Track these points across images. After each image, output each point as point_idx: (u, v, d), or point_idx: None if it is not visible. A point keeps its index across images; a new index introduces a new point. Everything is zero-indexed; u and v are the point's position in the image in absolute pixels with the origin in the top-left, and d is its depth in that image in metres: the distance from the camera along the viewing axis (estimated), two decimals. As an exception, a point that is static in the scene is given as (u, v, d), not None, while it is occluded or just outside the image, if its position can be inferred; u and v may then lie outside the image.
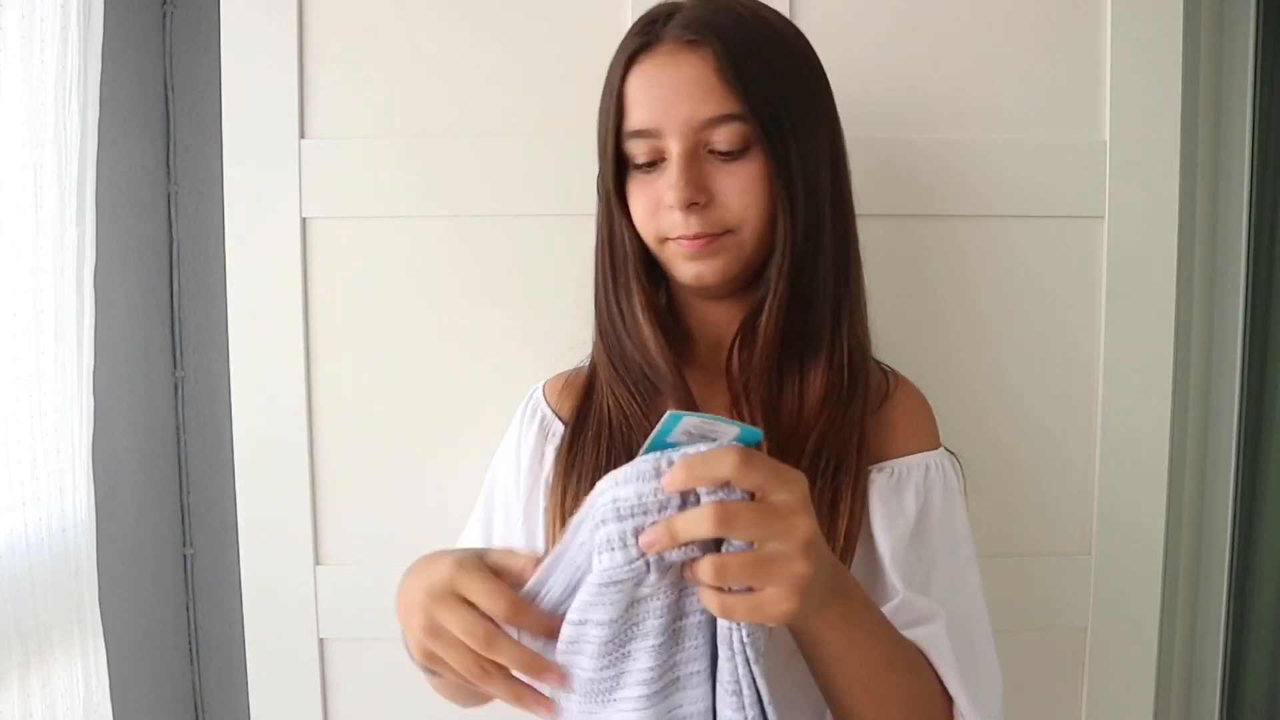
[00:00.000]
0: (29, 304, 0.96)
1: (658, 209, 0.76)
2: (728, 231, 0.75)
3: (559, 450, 0.83)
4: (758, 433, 0.56)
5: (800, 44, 0.78)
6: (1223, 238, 1.28)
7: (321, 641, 1.15)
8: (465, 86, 1.12)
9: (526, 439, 0.87)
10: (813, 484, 0.72)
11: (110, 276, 1.17)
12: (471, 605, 0.57)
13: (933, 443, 0.83)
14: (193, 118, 1.30)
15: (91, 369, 1.05)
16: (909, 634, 0.71)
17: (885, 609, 0.72)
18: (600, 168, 0.80)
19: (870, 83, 1.10)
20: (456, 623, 0.57)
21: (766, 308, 0.76)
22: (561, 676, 0.57)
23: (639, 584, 0.55)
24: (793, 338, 0.77)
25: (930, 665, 0.71)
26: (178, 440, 1.33)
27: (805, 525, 0.54)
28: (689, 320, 0.85)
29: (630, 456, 0.70)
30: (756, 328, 0.77)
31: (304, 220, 1.12)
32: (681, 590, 0.56)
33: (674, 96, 0.73)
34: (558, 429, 0.85)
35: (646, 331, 0.78)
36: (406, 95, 1.12)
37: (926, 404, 0.86)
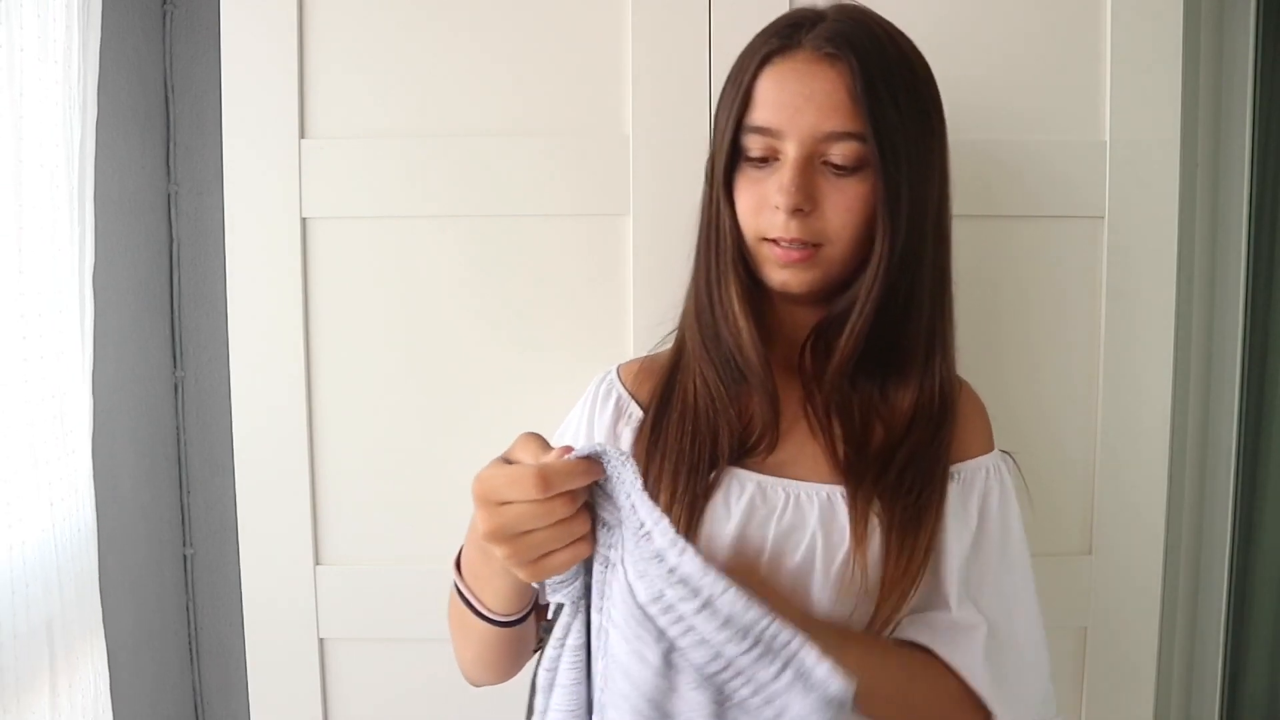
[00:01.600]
0: (40, 305, 0.96)
1: (762, 206, 0.77)
2: (820, 245, 0.76)
3: (640, 432, 0.84)
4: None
5: (926, 74, 0.79)
6: (1223, 238, 1.28)
7: (321, 641, 1.15)
8: (465, 87, 1.12)
9: (601, 418, 0.88)
10: (895, 502, 0.77)
11: (110, 276, 1.17)
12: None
13: (990, 444, 0.86)
14: (193, 118, 1.30)
15: (91, 369, 1.05)
16: (945, 648, 0.75)
17: (932, 621, 0.77)
18: (712, 154, 0.82)
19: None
20: (509, 491, 0.59)
21: (849, 326, 0.78)
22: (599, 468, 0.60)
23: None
24: (874, 357, 0.79)
25: (954, 675, 0.75)
26: (178, 440, 1.33)
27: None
28: (770, 315, 0.86)
29: (714, 442, 0.80)
30: (835, 343, 0.79)
31: (304, 220, 1.12)
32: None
33: (803, 103, 0.74)
34: (634, 412, 0.86)
35: (741, 322, 0.80)
36: (406, 95, 1.12)
37: (983, 406, 0.89)
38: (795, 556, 0.77)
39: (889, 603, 0.75)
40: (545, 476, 0.58)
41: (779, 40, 0.77)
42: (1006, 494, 0.83)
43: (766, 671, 0.54)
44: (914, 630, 0.77)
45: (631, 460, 0.59)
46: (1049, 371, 1.15)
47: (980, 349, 1.14)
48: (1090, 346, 1.14)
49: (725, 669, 0.55)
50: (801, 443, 0.82)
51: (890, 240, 0.76)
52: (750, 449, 0.81)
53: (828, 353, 0.80)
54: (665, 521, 0.57)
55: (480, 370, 1.14)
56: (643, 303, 1.12)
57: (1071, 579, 1.15)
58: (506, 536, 0.60)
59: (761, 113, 0.76)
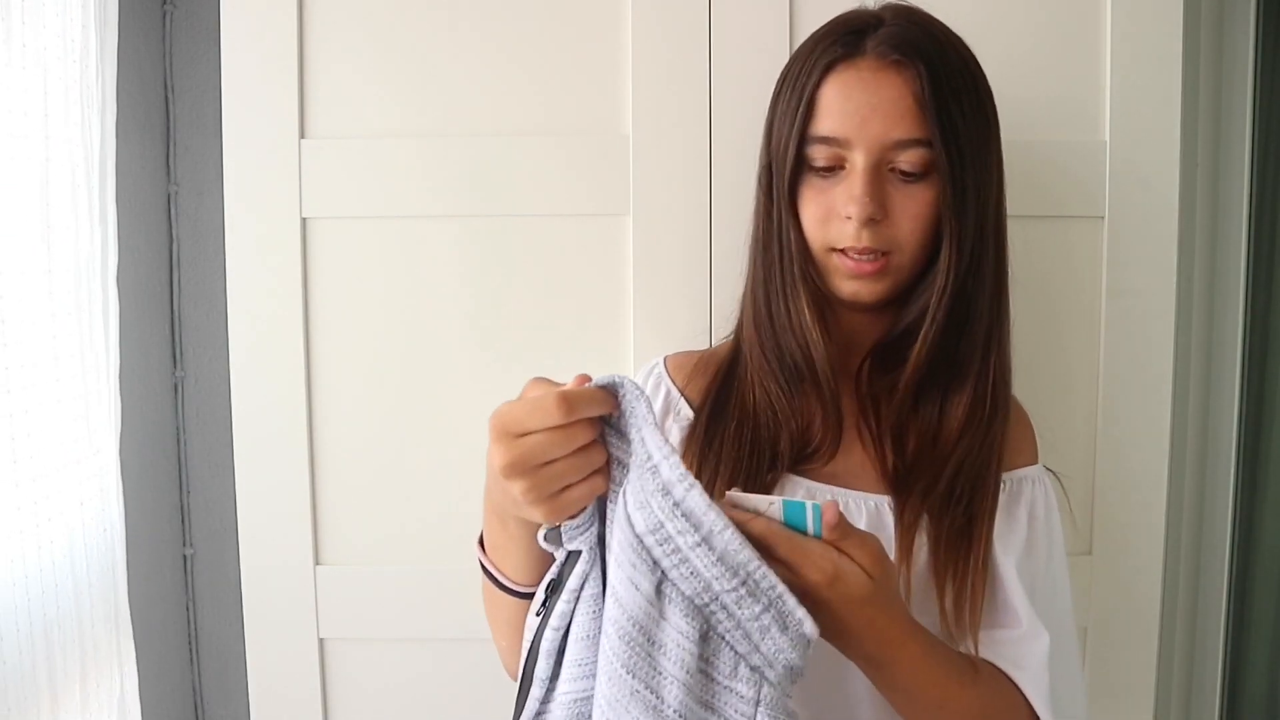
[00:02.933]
0: (67, 304, 0.97)
1: (829, 216, 0.77)
2: (889, 253, 0.76)
3: (692, 432, 0.83)
4: (800, 504, 0.62)
5: (983, 77, 0.79)
6: (1223, 238, 1.28)
7: (321, 641, 1.15)
8: (466, 86, 1.12)
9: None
10: (946, 510, 0.76)
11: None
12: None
13: (1035, 457, 0.86)
14: (193, 118, 1.30)
15: (118, 368, 1.05)
16: (1008, 663, 0.75)
17: (1004, 637, 0.76)
18: (771, 164, 0.81)
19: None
20: (530, 419, 0.58)
21: (922, 335, 0.78)
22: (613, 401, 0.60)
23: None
24: (941, 364, 0.79)
25: (1013, 686, 0.75)
26: (178, 440, 1.33)
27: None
28: (832, 324, 0.85)
29: (775, 453, 0.79)
30: (906, 354, 0.79)
31: (304, 220, 1.12)
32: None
33: (870, 113, 0.74)
34: (684, 410, 0.85)
35: (815, 335, 0.79)
36: (406, 95, 1.12)
37: (1029, 418, 0.89)
38: None
39: (955, 620, 0.75)
40: (568, 399, 0.57)
41: (843, 48, 0.76)
42: (1051, 506, 0.83)
43: (749, 610, 0.57)
44: (982, 649, 0.76)
45: (645, 395, 0.60)
46: (1049, 371, 1.15)
47: (980, 349, 1.14)
48: (1090, 346, 1.14)
49: (712, 602, 0.57)
50: (852, 451, 0.82)
51: (958, 244, 0.76)
52: (809, 457, 0.81)
53: (895, 363, 0.80)
54: (675, 456, 0.58)
55: (480, 370, 1.14)
56: (643, 303, 1.12)
57: (1071, 579, 1.15)
58: (527, 468, 0.59)
59: (827, 122, 0.76)
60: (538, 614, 0.69)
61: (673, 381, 0.88)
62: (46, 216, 0.93)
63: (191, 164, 1.30)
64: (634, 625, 0.58)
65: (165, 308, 1.31)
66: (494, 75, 1.12)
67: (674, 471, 0.57)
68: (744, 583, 0.57)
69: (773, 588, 0.57)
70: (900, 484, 0.78)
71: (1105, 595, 1.15)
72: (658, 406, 0.86)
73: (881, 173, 0.75)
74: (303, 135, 1.12)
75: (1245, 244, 1.26)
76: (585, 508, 0.63)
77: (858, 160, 0.74)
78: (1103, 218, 1.12)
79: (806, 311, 0.79)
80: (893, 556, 0.74)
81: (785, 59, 0.86)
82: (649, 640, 0.58)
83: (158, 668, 1.28)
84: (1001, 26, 1.12)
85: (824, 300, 0.80)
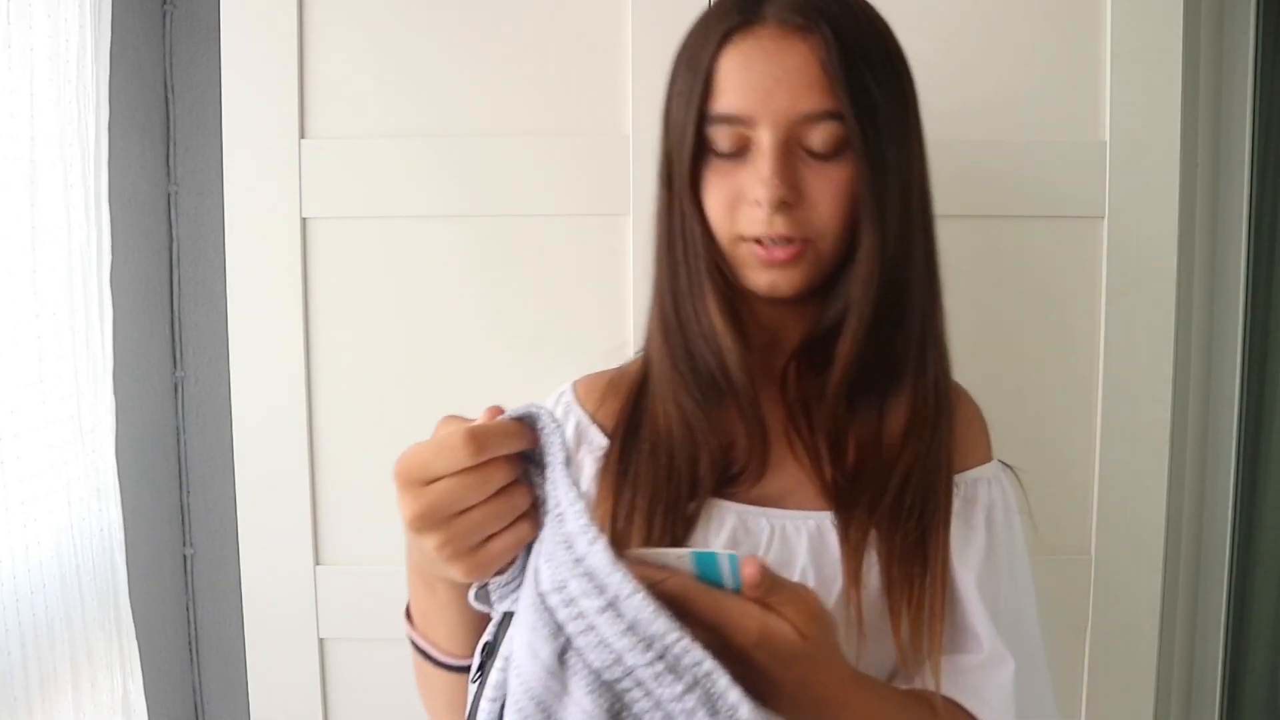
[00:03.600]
0: (54, 305, 0.97)
1: (737, 203, 0.68)
2: (807, 240, 0.68)
3: (606, 463, 0.74)
4: (712, 555, 0.53)
5: (896, 43, 0.72)
6: (1223, 238, 1.28)
7: (321, 641, 1.15)
8: (465, 86, 1.12)
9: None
10: (897, 524, 0.68)
11: (112, 277, 1.17)
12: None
13: (989, 454, 0.78)
14: (193, 118, 1.30)
15: (112, 368, 1.05)
16: (972, 698, 0.67)
17: (958, 665, 0.68)
18: (670, 152, 0.72)
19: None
20: (437, 462, 0.50)
21: (846, 330, 0.69)
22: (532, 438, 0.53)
23: None
24: (875, 363, 0.71)
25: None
26: (178, 440, 1.33)
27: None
28: (749, 324, 0.77)
29: (695, 477, 0.71)
30: (833, 352, 0.70)
31: (304, 220, 1.12)
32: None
33: (773, 85, 0.66)
34: (597, 438, 0.76)
35: (725, 338, 0.70)
36: (406, 95, 1.12)
37: (980, 412, 0.81)
38: None
39: (912, 647, 0.67)
40: (477, 435, 0.49)
41: (739, 16, 0.68)
42: (1010, 508, 0.75)
43: (670, 689, 0.48)
44: (945, 679, 0.68)
45: (561, 428, 0.52)
46: (1049, 372, 1.15)
47: (980, 350, 1.14)
48: (1090, 346, 1.14)
49: (625, 678, 0.49)
50: (784, 465, 0.73)
51: (881, 228, 0.68)
52: (735, 478, 0.72)
53: (824, 364, 0.71)
54: (581, 504, 0.50)
55: (480, 370, 1.14)
56: (643, 303, 1.11)
57: (1071, 579, 1.15)
58: (439, 519, 0.50)
59: (727, 99, 0.67)
60: (474, 680, 0.62)
61: (582, 408, 0.79)
62: (33, 217, 0.93)
63: (191, 164, 1.30)
64: (532, 700, 0.49)
65: (165, 308, 1.31)
66: (494, 75, 1.12)
67: (577, 522, 0.49)
68: (661, 656, 0.48)
69: (698, 664, 0.48)
70: (843, 498, 0.70)
71: (1105, 595, 1.15)
72: (569, 437, 0.76)
73: (792, 151, 0.66)
74: (303, 135, 1.12)
75: (1245, 244, 1.26)
76: (514, 560, 0.55)
77: (764, 139, 0.66)
78: (1103, 218, 1.12)
79: (715, 311, 0.70)
80: (839, 579, 0.69)
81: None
82: (548, 718, 0.49)
83: (158, 668, 1.28)
84: (1001, 26, 1.12)
85: (737, 298, 0.72)
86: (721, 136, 0.68)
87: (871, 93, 0.66)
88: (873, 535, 0.69)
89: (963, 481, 0.74)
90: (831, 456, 0.71)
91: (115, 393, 1.18)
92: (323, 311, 1.14)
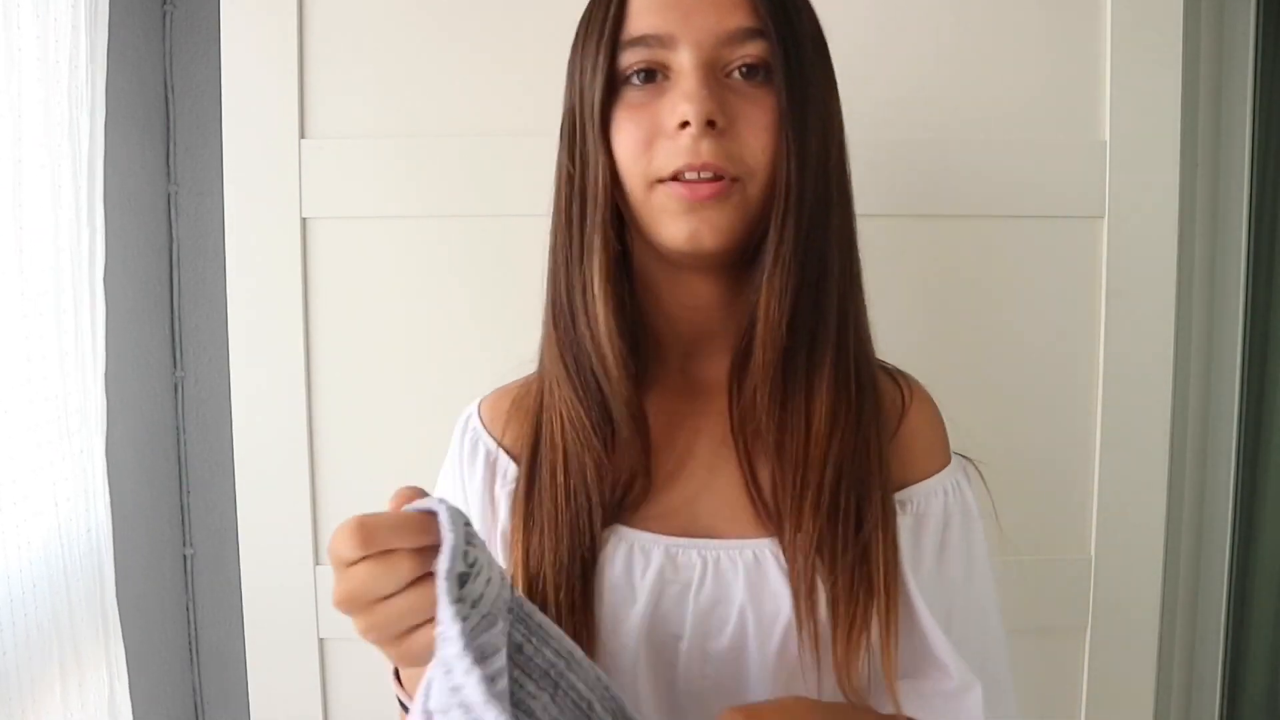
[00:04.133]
0: (41, 305, 0.96)
1: (653, 138, 0.60)
2: (735, 180, 0.60)
3: (515, 496, 0.65)
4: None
5: None
6: (1223, 237, 1.28)
7: (321, 641, 1.15)
8: (465, 86, 1.12)
9: (472, 481, 0.69)
10: (834, 538, 0.60)
11: (111, 277, 1.17)
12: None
13: (947, 457, 0.70)
14: (193, 118, 1.30)
15: (104, 369, 1.05)
16: (936, 713, 0.61)
17: (922, 690, 0.62)
18: (576, 89, 0.65)
19: (870, 83, 1.10)
20: (345, 549, 0.49)
21: (771, 285, 0.60)
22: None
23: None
24: (800, 332, 0.62)
25: None
26: (178, 440, 1.33)
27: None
28: (654, 310, 0.67)
29: (594, 501, 0.61)
30: (756, 317, 0.61)
31: (304, 220, 1.12)
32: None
33: (694, 3, 0.60)
34: (507, 465, 0.68)
35: (599, 307, 0.62)
36: (406, 95, 1.12)
37: (937, 411, 0.72)
38: (722, 639, 0.61)
39: (847, 674, 0.59)
40: (364, 527, 0.47)
41: None
42: (969, 513, 0.68)
43: None
44: (910, 706, 0.62)
45: (459, 526, 0.47)
46: (1049, 372, 1.15)
47: (980, 349, 1.14)
48: (1090, 346, 1.14)
49: None
50: (715, 487, 0.65)
51: (801, 165, 0.60)
52: (621, 500, 0.63)
53: (752, 339, 0.62)
54: (460, 625, 0.45)
55: (479, 370, 1.14)
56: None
57: (1071, 579, 1.15)
58: (358, 604, 0.49)
59: (642, 19, 0.60)
60: None
61: (489, 433, 0.70)
62: (19, 217, 0.92)
63: (191, 164, 1.30)
64: None
65: (165, 308, 1.31)
66: (494, 75, 1.12)
67: (454, 646, 0.44)
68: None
69: None
70: (777, 521, 0.62)
71: (1105, 595, 1.15)
72: (479, 474, 0.68)
73: (716, 76, 0.60)
74: (303, 135, 1.12)
75: (1245, 244, 1.26)
76: None
77: (684, 60, 0.59)
78: (1103, 217, 1.12)
79: (596, 278, 0.62)
80: (781, 615, 0.61)
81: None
82: None
83: (158, 668, 1.28)
84: (1002, 27, 1.12)
85: (633, 269, 0.64)
86: (634, 61, 0.61)
87: (793, 16, 0.62)
88: (816, 558, 0.60)
89: (915, 496, 0.66)
90: (765, 469, 0.63)
91: (114, 393, 1.18)
92: (323, 311, 1.14)
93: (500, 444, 0.69)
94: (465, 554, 0.47)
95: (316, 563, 1.14)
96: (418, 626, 0.49)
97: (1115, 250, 1.13)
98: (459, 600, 0.46)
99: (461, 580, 0.46)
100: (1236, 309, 1.27)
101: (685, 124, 0.58)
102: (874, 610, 0.60)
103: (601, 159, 0.62)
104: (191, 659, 1.35)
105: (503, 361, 1.16)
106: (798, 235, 0.60)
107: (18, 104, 0.92)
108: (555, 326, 0.66)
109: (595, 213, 0.63)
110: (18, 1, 0.91)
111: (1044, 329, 1.14)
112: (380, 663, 1.17)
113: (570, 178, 0.66)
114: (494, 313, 1.13)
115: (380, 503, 1.17)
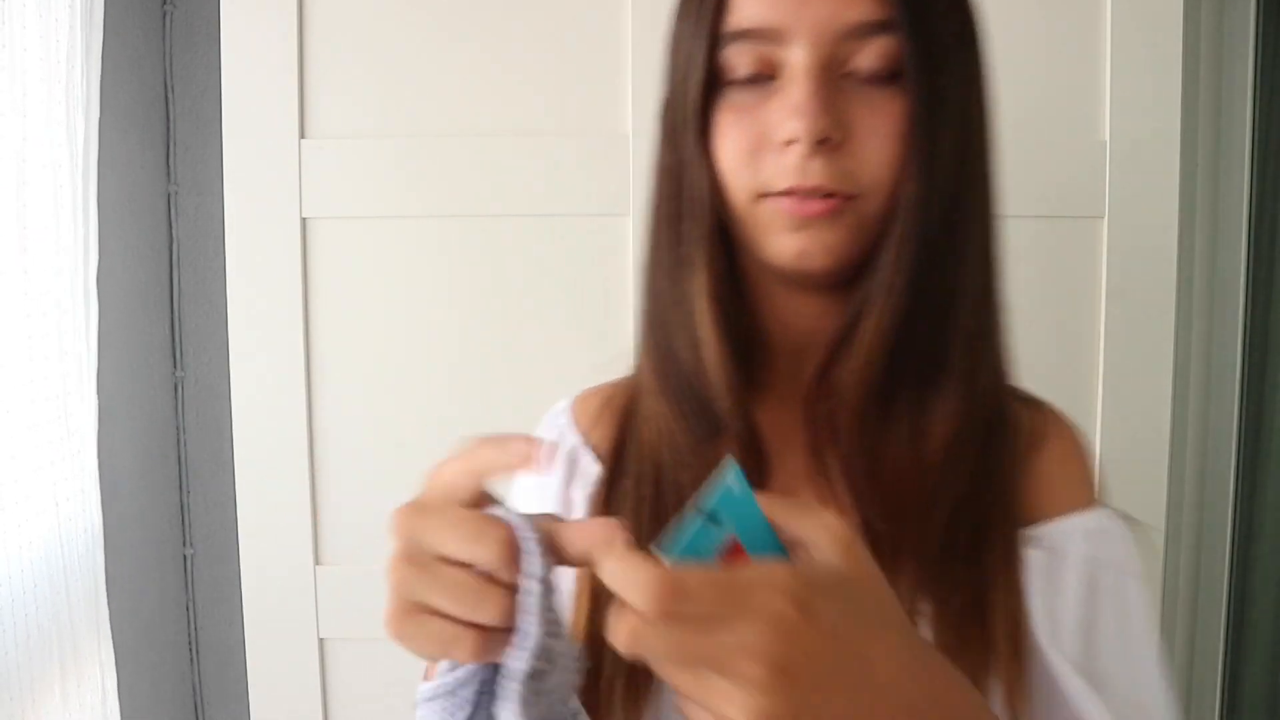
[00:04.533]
0: (44, 305, 0.96)
1: (760, 148, 0.52)
2: (850, 197, 0.52)
3: (594, 498, 0.60)
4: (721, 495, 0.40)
5: None
6: (1223, 237, 1.28)
7: (321, 641, 1.15)
8: (465, 87, 1.12)
9: (551, 481, 0.63)
10: (947, 572, 0.53)
11: (111, 276, 1.17)
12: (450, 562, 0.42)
13: (1090, 498, 0.61)
14: (193, 118, 1.30)
15: (95, 369, 1.05)
16: None
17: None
18: (672, 91, 0.57)
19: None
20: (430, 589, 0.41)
21: (871, 309, 0.53)
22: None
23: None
24: (911, 357, 0.54)
25: None
26: (178, 440, 1.33)
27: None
28: (765, 322, 0.60)
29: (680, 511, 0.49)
30: (854, 337, 0.54)
31: (304, 220, 1.12)
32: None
33: None
34: (589, 466, 0.62)
35: (706, 328, 0.55)
36: (406, 95, 1.12)
37: (1081, 444, 0.64)
38: None
39: None
40: (510, 545, 0.40)
41: None
42: (1124, 569, 0.57)
43: None
44: None
45: (540, 545, 0.40)
46: (1049, 372, 1.14)
47: (980, 349, 1.14)
48: (1090, 346, 1.14)
49: None
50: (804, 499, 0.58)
51: (928, 175, 0.52)
52: None
53: (846, 361, 0.55)
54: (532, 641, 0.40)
55: (479, 370, 1.14)
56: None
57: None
58: (412, 610, 0.42)
59: (747, 10, 0.52)
60: None
61: (578, 429, 0.65)
62: (23, 217, 0.92)
63: (191, 164, 1.30)
64: None
65: (165, 308, 1.31)
66: (494, 75, 1.12)
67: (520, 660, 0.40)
68: None
69: None
70: (883, 547, 0.51)
71: (1105, 595, 1.15)
72: (559, 469, 0.63)
73: (833, 78, 0.51)
74: (303, 135, 1.12)
75: (1245, 244, 1.26)
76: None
77: (796, 59, 0.51)
78: (1103, 217, 1.12)
79: (702, 295, 0.55)
80: None
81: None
82: None
83: (157, 668, 1.28)
84: (1002, 26, 1.12)
85: (743, 285, 0.58)
86: (741, 59, 0.52)
87: (931, 3, 0.53)
88: (920, 592, 0.53)
89: (1049, 532, 0.57)
90: (864, 488, 0.55)
91: (114, 393, 1.19)
92: (323, 311, 1.14)
93: (586, 441, 0.63)
94: (545, 650, 0.40)
95: (316, 563, 1.14)
96: (444, 615, 0.42)
97: (1115, 250, 1.13)
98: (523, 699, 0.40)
99: (533, 675, 0.41)
100: (1236, 309, 1.27)
101: (793, 140, 0.51)
102: (992, 667, 0.51)
103: (701, 164, 0.55)
104: (191, 659, 1.35)
105: (502, 361, 1.16)
106: (916, 260, 0.53)
107: (22, 104, 0.92)
108: (652, 337, 0.59)
109: (696, 225, 0.56)
110: (22, 1, 0.91)
111: (1044, 329, 1.14)
112: (380, 663, 1.17)
113: (666, 179, 0.58)
114: (493, 312, 1.13)
115: (380, 503, 1.17)
